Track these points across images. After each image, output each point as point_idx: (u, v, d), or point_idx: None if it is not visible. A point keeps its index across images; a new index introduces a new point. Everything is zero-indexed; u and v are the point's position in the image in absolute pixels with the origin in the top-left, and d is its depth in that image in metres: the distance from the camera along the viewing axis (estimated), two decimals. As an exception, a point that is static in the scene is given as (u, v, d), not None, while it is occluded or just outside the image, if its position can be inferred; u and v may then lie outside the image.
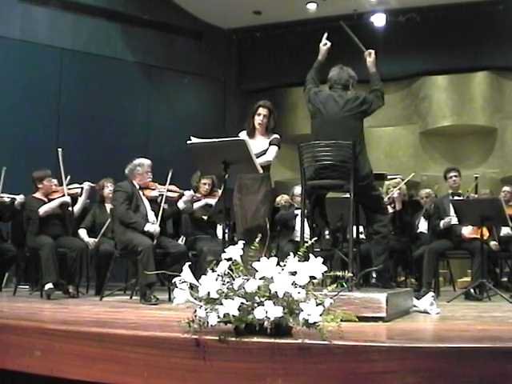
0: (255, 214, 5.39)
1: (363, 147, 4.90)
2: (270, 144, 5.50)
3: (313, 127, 5.04)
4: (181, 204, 6.96)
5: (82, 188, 7.09)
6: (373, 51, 5.20)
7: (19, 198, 7.21)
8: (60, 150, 7.01)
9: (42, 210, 6.60)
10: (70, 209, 6.94)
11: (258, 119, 5.54)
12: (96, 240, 7.16)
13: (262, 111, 5.55)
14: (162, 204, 6.41)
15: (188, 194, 6.95)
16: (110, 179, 7.40)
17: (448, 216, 6.82)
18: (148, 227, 6.06)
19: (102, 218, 7.30)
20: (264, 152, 5.41)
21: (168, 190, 6.60)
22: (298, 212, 7.33)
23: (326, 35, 5.37)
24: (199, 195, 7.37)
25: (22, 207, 7.21)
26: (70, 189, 6.95)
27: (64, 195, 6.84)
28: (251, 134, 5.49)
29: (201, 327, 2.79)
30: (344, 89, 5.02)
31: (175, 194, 6.78)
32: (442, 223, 6.84)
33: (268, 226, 4.80)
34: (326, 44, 5.37)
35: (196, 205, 7.22)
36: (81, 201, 7.11)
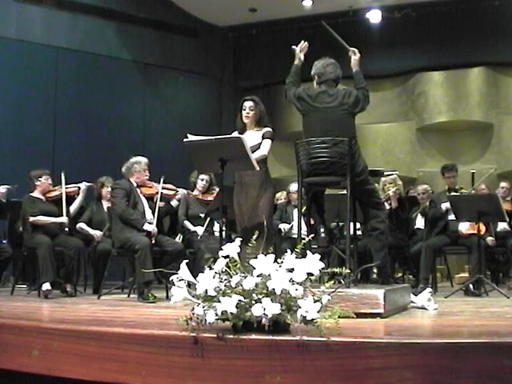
0: (254, 211, 5.39)
1: (356, 143, 4.89)
2: (263, 138, 5.51)
3: (305, 125, 4.98)
4: (174, 202, 6.95)
5: (79, 188, 7.06)
6: (356, 50, 5.14)
7: (1, 189, 7.18)
8: (63, 172, 6.94)
9: (33, 218, 6.55)
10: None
11: (244, 113, 5.56)
12: (102, 233, 7.13)
13: (247, 104, 5.57)
14: (158, 202, 6.41)
15: (182, 192, 6.95)
16: (110, 179, 7.36)
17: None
18: (146, 227, 6.06)
19: (99, 216, 7.32)
20: (258, 146, 5.40)
21: (164, 188, 6.60)
22: (295, 212, 7.37)
23: (303, 44, 5.29)
24: (196, 193, 7.37)
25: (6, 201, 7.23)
26: (67, 188, 6.93)
27: (61, 194, 6.83)
28: (243, 130, 5.51)
29: (199, 325, 2.78)
30: (334, 82, 5.00)
31: (171, 192, 6.78)
32: (443, 206, 6.82)
33: (268, 223, 4.82)
34: (303, 49, 5.29)
35: (191, 226, 7.22)
36: (77, 201, 7.06)
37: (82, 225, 7.24)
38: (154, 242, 6.03)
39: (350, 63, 5.14)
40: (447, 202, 6.71)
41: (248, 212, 5.43)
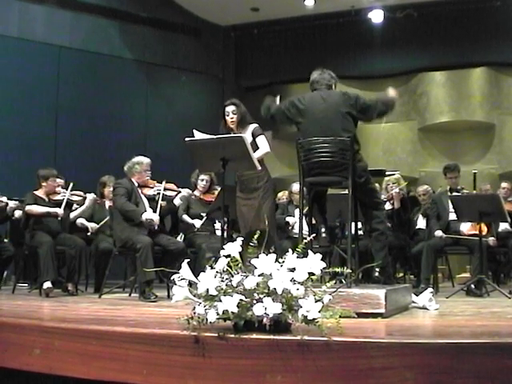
0: (257, 216, 5.41)
1: (358, 143, 4.89)
2: (255, 135, 5.53)
3: (301, 129, 4.93)
4: (177, 201, 6.93)
5: (85, 198, 7.08)
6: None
7: (12, 204, 7.17)
8: (71, 184, 6.93)
9: (29, 207, 6.55)
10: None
11: (228, 119, 5.63)
12: (97, 226, 7.15)
13: (229, 109, 5.66)
14: (160, 201, 6.41)
15: (185, 191, 6.94)
16: (112, 178, 7.37)
17: (447, 211, 6.85)
18: (146, 215, 6.06)
19: (101, 215, 7.33)
20: (251, 144, 5.40)
21: (166, 189, 6.60)
22: (296, 211, 7.36)
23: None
24: (197, 194, 7.37)
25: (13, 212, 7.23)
26: (72, 195, 6.93)
27: (62, 200, 6.82)
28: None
29: (200, 324, 2.78)
30: (328, 89, 4.99)
31: (173, 193, 6.77)
32: (436, 233, 6.85)
33: (271, 226, 4.82)
34: None
35: (189, 219, 7.21)
36: (80, 210, 7.09)
37: (81, 219, 7.31)
38: (156, 228, 6.10)
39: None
40: (451, 208, 6.71)
41: (251, 216, 5.46)
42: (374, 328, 3.34)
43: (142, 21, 11.70)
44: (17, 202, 7.19)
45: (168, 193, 6.65)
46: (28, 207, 6.55)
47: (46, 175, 6.79)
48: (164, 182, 6.56)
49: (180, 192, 6.84)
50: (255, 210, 5.48)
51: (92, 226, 7.23)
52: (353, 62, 11.82)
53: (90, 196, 7.12)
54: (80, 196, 7.05)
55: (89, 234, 7.21)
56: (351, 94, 4.96)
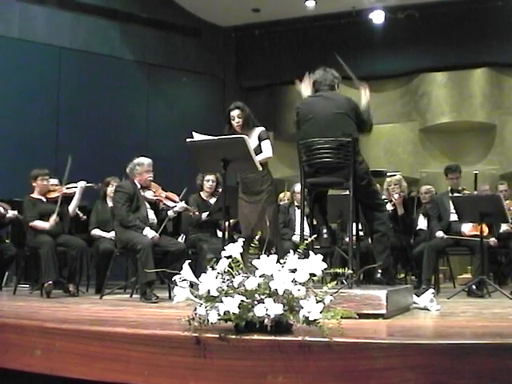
0: (261, 216, 5.41)
1: (358, 145, 4.89)
2: (261, 139, 5.53)
3: (303, 130, 4.89)
4: (170, 213, 6.89)
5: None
6: (367, 85, 5.08)
7: (11, 214, 7.17)
8: (70, 157, 6.91)
9: (32, 224, 6.52)
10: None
11: (234, 123, 5.64)
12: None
13: (234, 113, 5.65)
14: (165, 223, 6.42)
15: (180, 206, 6.86)
16: (116, 179, 7.38)
17: (448, 212, 6.85)
18: (147, 232, 6.03)
19: (104, 215, 7.35)
20: (257, 148, 5.40)
21: (167, 198, 6.60)
22: (298, 212, 7.35)
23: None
24: (203, 195, 7.37)
25: (10, 221, 7.25)
26: (68, 188, 6.93)
27: (61, 192, 6.80)
28: None
29: (201, 325, 2.78)
30: (330, 89, 4.97)
31: (171, 204, 6.74)
32: (437, 234, 6.85)
33: (273, 228, 4.82)
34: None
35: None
36: (75, 200, 7.06)
37: (95, 231, 7.35)
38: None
39: (360, 96, 5.06)
40: (452, 209, 6.70)
41: (254, 220, 5.46)
42: (376, 329, 3.34)
43: (143, 22, 11.71)
44: (15, 212, 7.18)
45: (169, 202, 6.65)
46: (31, 224, 6.52)
47: (34, 175, 6.78)
48: (184, 191, 6.58)
49: (175, 206, 6.79)
50: (258, 213, 5.47)
51: (113, 235, 7.19)
52: (354, 63, 11.71)
53: (81, 184, 7.07)
54: (74, 188, 7.04)
55: (98, 243, 7.21)
56: (356, 102, 4.94)
